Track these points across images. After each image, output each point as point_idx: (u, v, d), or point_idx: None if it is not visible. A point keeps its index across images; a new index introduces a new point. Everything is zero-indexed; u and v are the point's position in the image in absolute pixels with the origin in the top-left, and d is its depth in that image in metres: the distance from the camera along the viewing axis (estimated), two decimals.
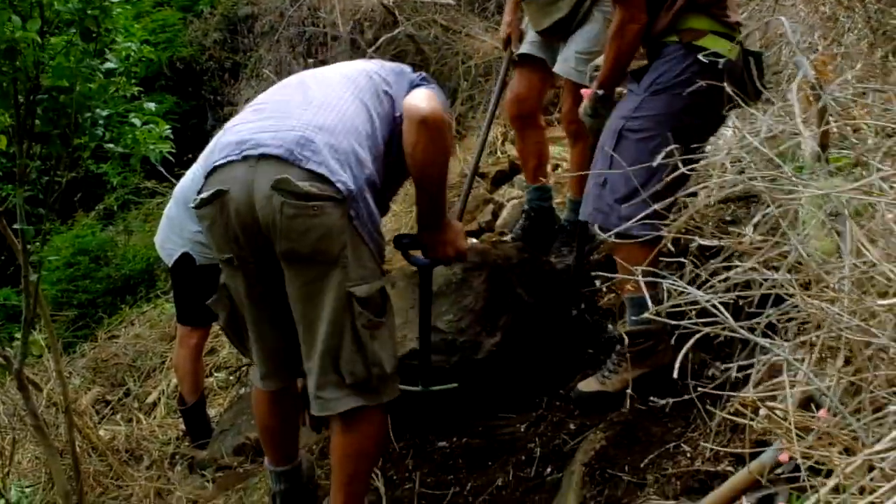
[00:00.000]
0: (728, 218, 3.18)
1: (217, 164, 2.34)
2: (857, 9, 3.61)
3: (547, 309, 3.28)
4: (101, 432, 4.42)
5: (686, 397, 1.90)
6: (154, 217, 7.35)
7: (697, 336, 1.69)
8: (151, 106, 3.18)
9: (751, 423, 1.64)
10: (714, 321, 1.66)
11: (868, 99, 2.38)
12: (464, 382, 2.95)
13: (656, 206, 2.13)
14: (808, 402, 1.76)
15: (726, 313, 1.64)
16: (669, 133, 2.55)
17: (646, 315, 1.79)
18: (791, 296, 1.74)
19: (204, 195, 2.33)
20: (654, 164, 2.29)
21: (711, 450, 2.22)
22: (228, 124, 2.53)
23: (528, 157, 3.99)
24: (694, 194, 2.37)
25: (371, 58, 6.97)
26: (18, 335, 3.27)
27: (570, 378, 3.13)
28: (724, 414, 1.74)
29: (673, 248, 2.07)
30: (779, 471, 1.77)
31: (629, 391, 2.39)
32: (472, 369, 3.06)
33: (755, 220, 2.06)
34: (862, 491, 1.33)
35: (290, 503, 2.73)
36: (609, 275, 2.64)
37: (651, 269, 1.94)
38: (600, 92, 2.89)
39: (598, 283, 3.52)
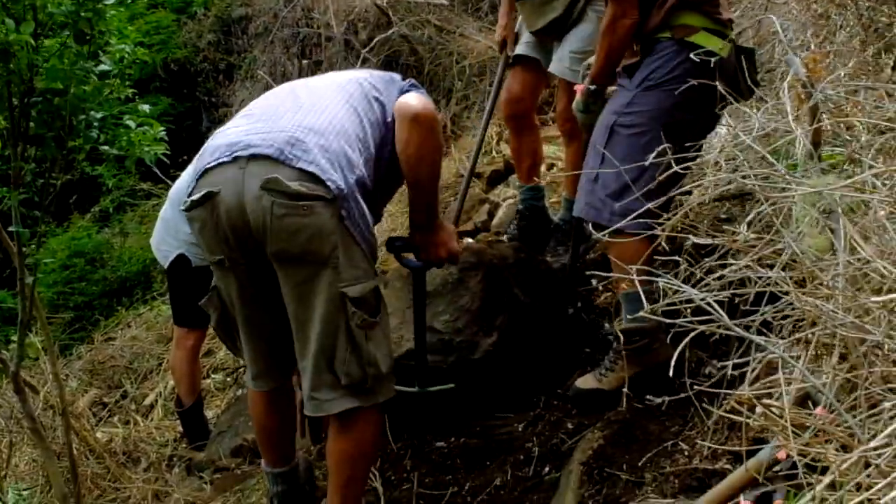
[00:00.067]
0: (722, 216, 3.18)
1: (207, 166, 2.34)
2: (848, 6, 3.62)
3: (543, 308, 3.28)
4: (99, 434, 4.41)
5: (683, 395, 1.91)
6: (150, 219, 7.33)
7: (693, 334, 1.70)
8: (146, 108, 3.17)
9: (748, 420, 1.65)
10: (709, 319, 1.66)
11: (860, 96, 2.39)
12: (461, 382, 2.96)
13: (650, 205, 2.13)
14: (804, 400, 1.77)
15: (721, 311, 1.65)
16: (661, 129, 2.56)
17: (641, 313, 1.80)
18: (786, 293, 1.75)
19: (194, 197, 2.34)
20: (647, 162, 2.29)
21: (709, 448, 2.23)
22: (219, 130, 2.54)
23: (522, 156, 4.00)
24: (688, 192, 2.37)
25: (365, 58, 7.01)
26: (15, 338, 3.26)
27: (568, 377, 3.13)
28: (720, 412, 1.75)
29: (667, 247, 2.08)
30: (776, 468, 1.77)
31: (626, 390, 2.40)
32: (469, 369, 3.06)
33: (749, 218, 2.07)
34: (858, 487, 1.34)
35: None
36: (605, 274, 2.65)
37: (646, 267, 1.94)
38: (592, 87, 2.91)
39: (594, 281, 3.53)
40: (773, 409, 1.59)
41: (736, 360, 1.77)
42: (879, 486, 1.28)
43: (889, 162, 2.07)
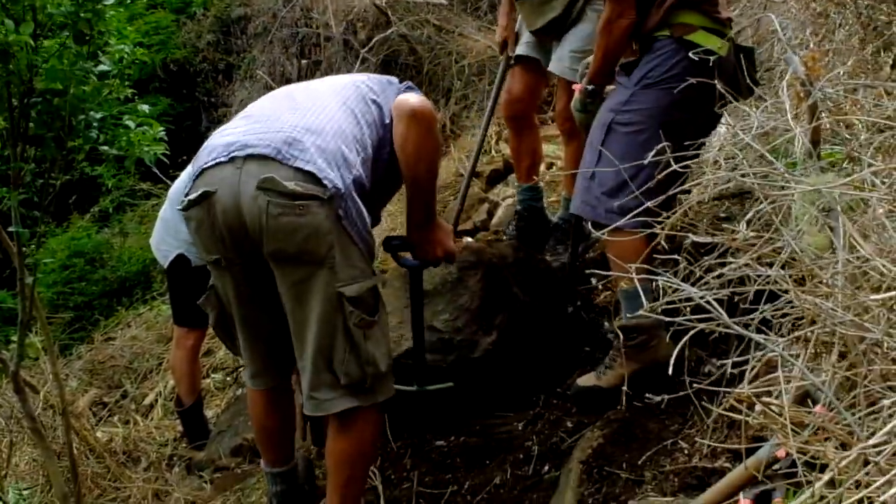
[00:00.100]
0: (722, 215, 3.19)
1: (204, 166, 2.34)
2: (847, 5, 3.63)
3: (543, 307, 3.28)
4: (99, 434, 4.41)
5: (682, 393, 1.91)
6: (149, 219, 7.34)
7: (692, 332, 1.70)
8: (145, 108, 3.17)
9: (747, 419, 1.65)
10: (709, 317, 1.66)
11: (859, 94, 2.39)
12: (461, 381, 2.96)
13: (649, 204, 2.13)
14: (803, 398, 1.77)
15: (721, 310, 1.65)
16: (659, 127, 2.56)
17: (641, 311, 1.80)
18: (785, 292, 1.75)
19: (191, 196, 2.34)
20: (646, 161, 2.30)
21: (708, 446, 2.23)
22: (217, 130, 2.55)
23: (522, 156, 4.00)
24: (687, 191, 2.37)
25: (364, 58, 7.01)
26: (15, 338, 3.26)
27: (567, 376, 3.13)
28: (720, 410, 1.75)
29: (667, 245, 2.08)
30: (776, 467, 1.78)
31: (625, 388, 2.40)
32: (469, 368, 3.06)
33: (748, 216, 2.07)
34: (857, 485, 1.34)
35: None
36: (604, 272, 2.65)
37: (645, 266, 1.94)
38: (590, 87, 2.91)
39: (593, 280, 3.53)
40: (773, 408, 1.59)
41: (735, 359, 1.77)
42: (878, 483, 1.28)
43: (888, 160, 2.07)
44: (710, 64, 2.59)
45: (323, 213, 2.25)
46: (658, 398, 2.07)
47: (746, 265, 1.85)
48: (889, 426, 1.36)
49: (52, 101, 2.82)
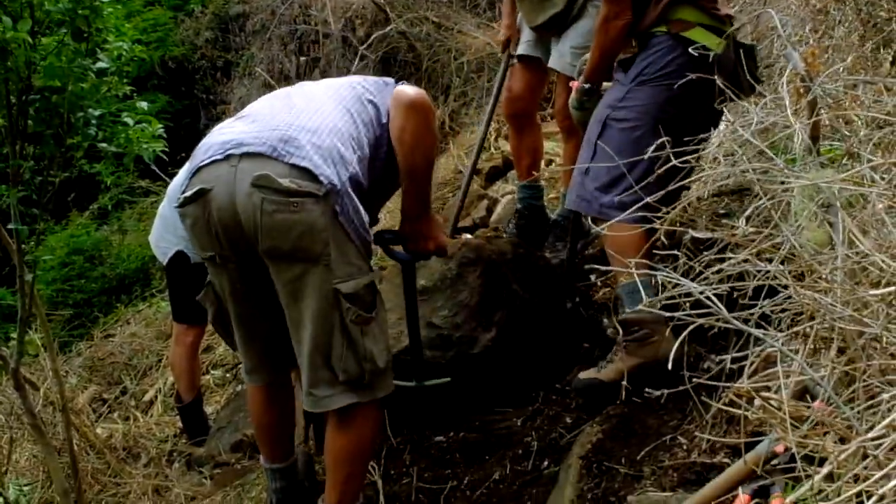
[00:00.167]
0: (721, 211, 3.19)
1: (201, 164, 2.35)
2: (847, 1, 3.63)
3: (542, 303, 3.29)
4: (99, 430, 4.42)
5: (682, 388, 1.91)
6: (148, 216, 7.34)
7: (692, 327, 1.70)
8: (144, 105, 3.17)
9: (746, 414, 1.65)
10: (708, 312, 1.67)
11: (859, 91, 2.39)
12: (460, 377, 2.96)
13: (648, 199, 2.14)
14: (802, 393, 1.77)
15: (720, 305, 1.65)
16: (654, 124, 2.56)
17: (640, 306, 1.80)
18: (784, 287, 1.76)
19: (187, 194, 2.35)
20: (643, 157, 2.30)
21: (707, 441, 2.23)
22: (214, 129, 2.56)
23: (522, 154, 4.00)
24: (686, 186, 2.38)
25: (363, 55, 7.01)
26: (14, 335, 3.26)
27: (566, 372, 3.14)
28: (719, 405, 1.75)
29: (666, 241, 2.08)
30: (774, 462, 1.78)
31: (624, 383, 2.40)
32: (468, 364, 3.07)
33: (748, 212, 2.07)
34: (856, 479, 1.34)
35: (288, 500, 2.73)
36: (603, 267, 2.65)
37: (644, 261, 1.95)
38: (586, 85, 2.91)
39: (592, 277, 3.53)
40: (772, 402, 1.59)
41: (735, 354, 1.78)
42: (877, 476, 1.29)
43: (887, 156, 2.07)
44: (710, 60, 2.59)
45: (318, 210, 2.25)
46: (657, 393, 2.07)
47: (746, 261, 1.85)
48: (888, 420, 1.37)
49: (50, 98, 2.82)
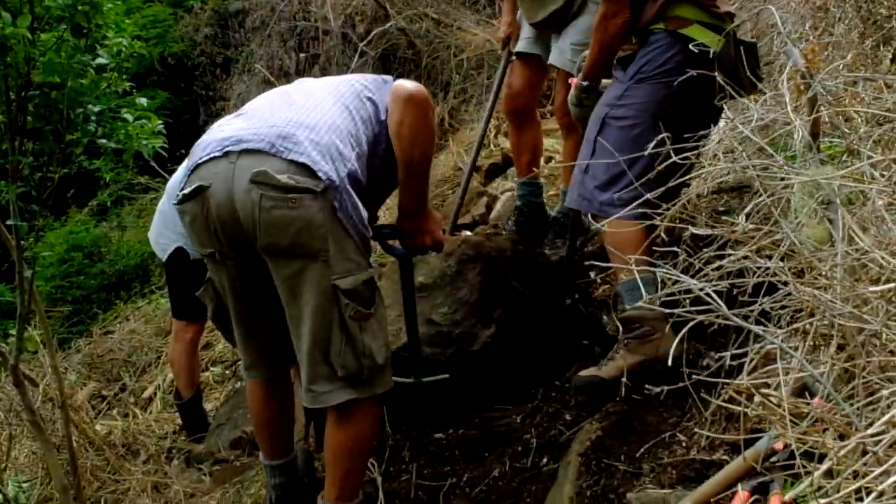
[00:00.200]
0: (721, 208, 3.19)
1: (199, 161, 2.35)
2: None
3: (541, 300, 3.29)
4: (98, 427, 4.42)
5: (681, 385, 1.91)
6: (147, 212, 7.34)
7: (692, 324, 1.70)
8: (143, 101, 3.17)
9: (746, 410, 1.65)
10: (708, 309, 1.67)
11: (859, 87, 2.39)
12: (459, 374, 2.96)
13: (648, 196, 2.13)
14: (802, 390, 1.77)
15: (720, 301, 1.65)
16: (652, 121, 2.56)
17: (640, 303, 1.80)
18: (784, 284, 1.76)
19: (186, 191, 2.35)
20: (642, 154, 2.29)
21: (707, 438, 2.23)
22: (212, 126, 2.56)
23: (522, 151, 4.00)
24: (686, 183, 2.37)
25: (363, 52, 7.00)
26: (14, 331, 3.27)
27: (566, 369, 3.14)
28: (718, 402, 1.75)
29: (666, 238, 2.08)
30: (774, 458, 1.78)
31: (624, 380, 2.40)
32: (468, 361, 3.07)
33: (748, 209, 2.07)
34: (855, 475, 1.34)
35: (287, 497, 2.73)
36: (603, 264, 2.65)
37: (644, 257, 1.94)
38: (585, 83, 2.91)
39: (592, 274, 3.53)
40: (771, 399, 1.59)
41: (734, 351, 1.78)
42: (876, 473, 1.29)
43: (887, 152, 2.07)
44: (711, 56, 2.58)
45: (316, 206, 2.25)
46: (657, 389, 2.07)
47: (745, 257, 1.85)
48: (887, 416, 1.37)
49: (49, 94, 2.82)
